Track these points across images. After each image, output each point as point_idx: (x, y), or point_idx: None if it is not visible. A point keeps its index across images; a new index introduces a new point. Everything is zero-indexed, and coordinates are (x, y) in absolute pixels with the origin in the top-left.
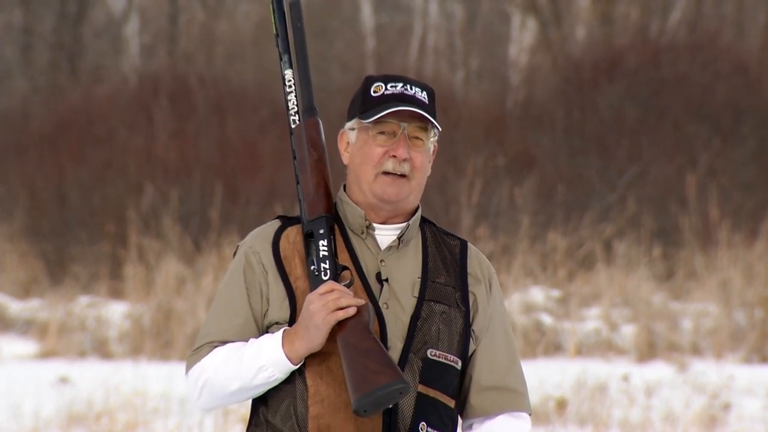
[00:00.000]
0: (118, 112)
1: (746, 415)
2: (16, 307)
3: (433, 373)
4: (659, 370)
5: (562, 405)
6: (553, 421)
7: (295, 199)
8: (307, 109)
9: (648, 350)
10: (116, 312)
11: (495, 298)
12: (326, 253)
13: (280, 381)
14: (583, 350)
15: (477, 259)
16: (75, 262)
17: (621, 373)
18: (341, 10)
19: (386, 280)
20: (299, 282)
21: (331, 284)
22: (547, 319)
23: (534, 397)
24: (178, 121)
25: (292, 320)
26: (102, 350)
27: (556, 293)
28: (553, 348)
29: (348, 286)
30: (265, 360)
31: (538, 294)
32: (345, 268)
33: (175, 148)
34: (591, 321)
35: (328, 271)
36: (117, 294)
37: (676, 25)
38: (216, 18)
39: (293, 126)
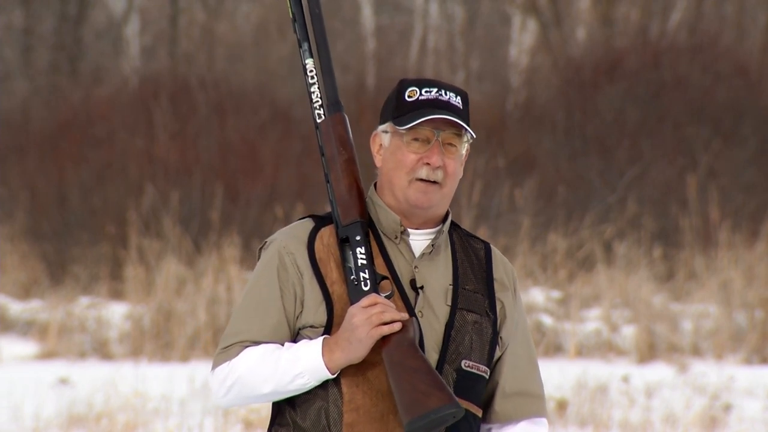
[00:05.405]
0: (119, 113)
1: (747, 416)
2: (16, 308)
3: (466, 384)
4: (659, 371)
5: (562, 406)
6: (554, 422)
7: (295, 201)
8: (333, 103)
9: (648, 351)
10: (116, 313)
11: (519, 302)
12: (365, 262)
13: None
14: (583, 351)
15: (502, 263)
16: (75, 263)
17: (621, 374)
18: (342, 11)
19: (421, 287)
20: (335, 286)
21: (375, 297)
22: (547, 320)
23: None
24: (179, 122)
25: (328, 325)
26: (102, 351)
27: (556, 294)
28: (554, 349)
29: (389, 297)
30: (303, 367)
31: (538, 295)
32: (384, 277)
33: (176, 149)
34: (591, 322)
35: (368, 281)
36: (117, 295)
37: (677, 27)
38: (216, 19)
39: (318, 121)
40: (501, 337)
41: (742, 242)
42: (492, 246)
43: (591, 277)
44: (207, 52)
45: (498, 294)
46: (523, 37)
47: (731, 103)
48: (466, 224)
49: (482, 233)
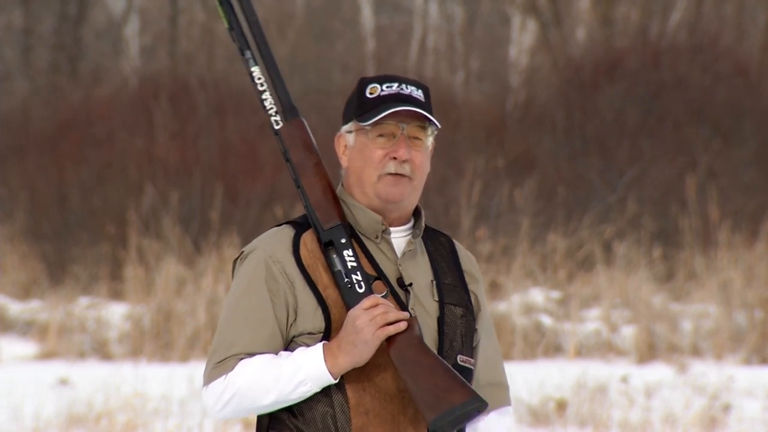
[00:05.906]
0: (119, 113)
1: (746, 416)
2: (16, 308)
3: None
4: (659, 372)
5: (562, 406)
6: (553, 422)
7: (295, 200)
8: (289, 108)
9: (648, 351)
10: (116, 313)
11: (485, 293)
12: (354, 264)
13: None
14: (583, 351)
15: (466, 255)
16: (75, 263)
17: (621, 375)
18: (341, 11)
19: (410, 285)
20: (328, 291)
21: (375, 298)
22: (547, 321)
23: (534, 398)
24: (179, 122)
25: (327, 330)
26: (102, 351)
27: (556, 294)
28: (553, 349)
29: (384, 297)
30: (305, 375)
31: (538, 295)
32: (376, 278)
33: (176, 150)
34: (591, 322)
35: (362, 283)
36: (117, 295)
37: (677, 27)
38: (216, 19)
39: (277, 127)
40: (476, 329)
41: (742, 242)
42: (453, 238)
43: (591, 277)
44: (207, 52)
45: (470, 286)
46: (522, 37)
47: (731, 103)
48: (465, 225)
49: (482, 234)
